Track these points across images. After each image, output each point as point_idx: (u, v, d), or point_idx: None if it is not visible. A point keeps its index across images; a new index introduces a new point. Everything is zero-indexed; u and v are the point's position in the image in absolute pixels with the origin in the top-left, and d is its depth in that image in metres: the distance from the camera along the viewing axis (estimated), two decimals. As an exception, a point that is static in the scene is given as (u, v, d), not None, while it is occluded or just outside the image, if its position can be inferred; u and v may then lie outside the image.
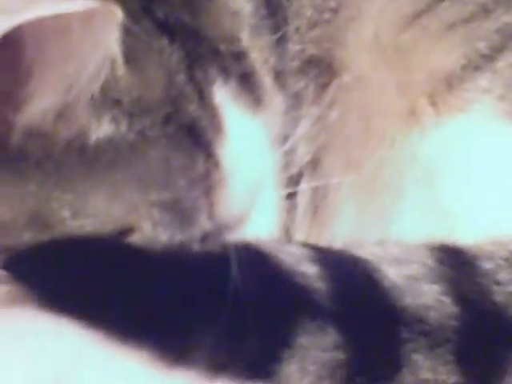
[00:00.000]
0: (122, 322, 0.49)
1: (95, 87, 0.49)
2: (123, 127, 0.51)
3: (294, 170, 0.67)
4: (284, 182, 0.66)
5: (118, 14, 0.45)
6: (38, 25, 0.43)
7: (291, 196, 0.67)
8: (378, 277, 0.54)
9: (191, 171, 0.53)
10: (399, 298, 0.53)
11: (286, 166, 0.66)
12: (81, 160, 0.50)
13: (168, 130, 0.52)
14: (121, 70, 0.50)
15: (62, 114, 0.49)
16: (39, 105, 0.49)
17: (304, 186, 0.67)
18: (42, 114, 0.49)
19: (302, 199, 0.67)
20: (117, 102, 0.50)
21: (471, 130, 0.65)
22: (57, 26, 0.44)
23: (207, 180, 0.54)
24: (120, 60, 0.49)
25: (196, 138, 0.53)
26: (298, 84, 0.67)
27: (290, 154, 0.66)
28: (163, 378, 0.48)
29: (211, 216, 0.54)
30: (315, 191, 0.67)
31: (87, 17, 0.44)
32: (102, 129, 0.50)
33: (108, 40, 0.47)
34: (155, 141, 0.52)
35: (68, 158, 0.50)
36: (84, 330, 0.48)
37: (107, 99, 0.50)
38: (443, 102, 0.65)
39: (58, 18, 0.43)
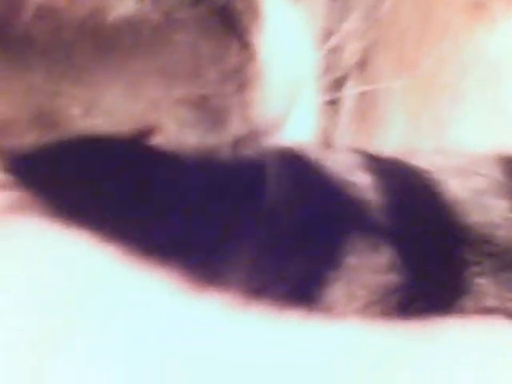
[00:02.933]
0: (145, 237, 0.42)
1: None
2: (147, 4, 0.44)
3: (339, 72, 0.60)
4: (327, 85, 0.59)
5: None
6: None
7: (335, 101, 0.60)
8: (440, 189, 0.48)
9: (223, 62, 0.46)
10: (463, 214, 0.47)
11: (331, 66, 0.59)
12: (95, 45, 0.44)
13: (198, 11, 0.46)
14: None
15: None
16: None
17: (350, 91, 0.60)
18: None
19: (348, 105, 0.60)
20: None
21: None
22: None
23: (241, 74, 0.47)
24: None
25: (230, 22, 0.47)
26: None
27: (335, 52, 0.59)
28: (192, 300, 0.42)
29: (245, 117, 0.47)
30: (363, 96, 0.60)
31: None
32: (124, 4, 0.44)
33: None
34: (183, 24, 0.45)
35: (80, 43, 0.44)
36: (98, 244, 0.42)
37: None
38: None
39: None
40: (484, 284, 0.47)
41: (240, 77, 0.47)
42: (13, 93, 0.44)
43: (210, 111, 0.46)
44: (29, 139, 0.44)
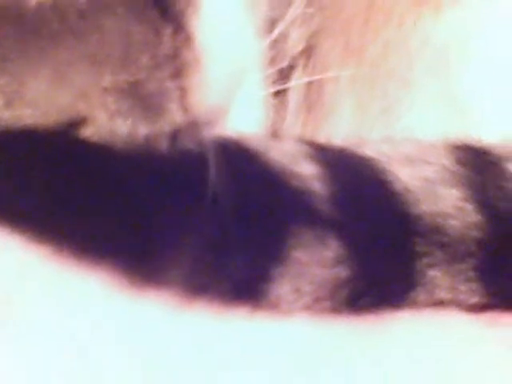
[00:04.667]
0: (77, 234, 0.40)
1: None
2: None
3: (284, 63, 0.59)
4: (272, 76, 0.58)
5: None
6: None
7: (281, 92, 0.59)
8: (388, 179, 0.47)
9: (156, 48, 0.45)
10: (413, 203, 0.47)
11: (275, 57, 0.59)
12: (17, 32, 0.42)
13: None
14: None
15: None
16: None
17: (296, 82, 0.59)
18: None
19: (294, 95, 0.60)
20: None
21: (494, 9, 0.57)
22: None
23: (176, 59, 0.46)
24: None
25: (163, 6, 0.46)
26: None
27: (279, 42, 0.58)
28: (130, 300, 0.40)
29: (183, 105, 0.46)
30: (309, 85, 0.60)
31: None
32: None
33: None
34: (112, 8, 0.44)
35: (4, 32, 0.42)
36: (31, 244, 0.40)
37: None
38: None
39: None
40: (436, 276, 0.46)
41: (175, 62, 0.46)
42: None
43: (142, 99, 0.44)
44: None
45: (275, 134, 0.59)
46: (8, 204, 0.41)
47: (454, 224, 0.47)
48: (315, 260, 0.44)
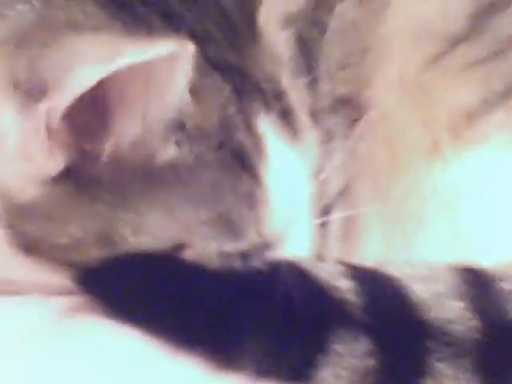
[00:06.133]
0: (179, 331, 0.55)
1: (168, 116, 0.55)
2: (185, 150, 0.57)
3: (327, 200, 0.73)
4: (318, 210, 0.71)
5: (192, 49, 0.51)
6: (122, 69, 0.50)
7: (324, 223, 0.72)
8: (407, 292, 0.59)
9: (238, 189, 0.59)
10: (426, 311, 0.58)
11: (320, 196, 0.71)
12: (144, 182, 0.56)
13: (220, 153, 0.59)
14: (187, 99, 0.56)
15: (136, 142, 0.55)
16: (119, 137, 0.55)
17: (336, 215, 0.72)
18: (119, 145, 0.55)
19: (334, 226, 0.73)
20: (181, 127, 0.57)
21: (489, 161, 0.70)
22: (138, 69, 0.51)
23: (251, 197, 0.60)
24: (186, 91, 0.55)
25: (242, 161, 0.60)
26: (330, 120, 0.74)
27: (324, 184, 0.71)
28: (216, 379, 0.54)
29: (258, 230, 0.60)
30: (346, 218, 0.72)
31: (169, 57, 0.51)
32: (168, 151, 0.56)
33: (182, 76, 0.53)
34: (209, 163, 0.58)
35: (134, 181, 0.56)
36: (145, 337, 0.54)
37: (175, 125, 0.56)
38: (463, 136, 0.70)
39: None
40: (443, 367, 0.58)
41: (251, 199, 0.60)
42: (83, 218, 0.56)
43: (228, 224, 0.58)
44: (92, 254, 0.56)
45: (320, 257, 0.72)
46: (130, 306, 0.55)
47: (458, 328, 0.58)
48: (350, 352, 0.56)
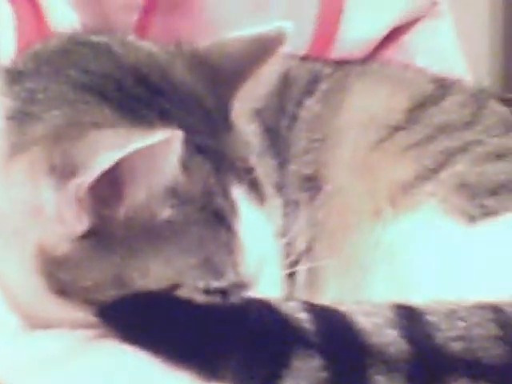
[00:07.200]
0: (175, 350, 0.68)
1: (165, 186, 0.68)
2: (177, 211, 0.69)
3: (294, 257, 0.85)
4: (286, 265, 0.83)
5: (181, 135, 0.64)
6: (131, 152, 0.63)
7: (292, 275, 0.84)
8: (353, 322, 0.70)
9: (218, 240, 0.70)
10: (367, 337, 0.69)
11: (288, 253, 0.84)
12: (148, 237, 0.68)
13: (204, 213, 0.70)
14: (178, 173, 0.68)
15: (142, 206, 0.68)
16: (130, 202, 0.67)
17: (301, 268, 0.84)
18: (130, 208, 0.68)
19: (300, 277, 0.85)
20: (175, 194, 0.68)
21: (420, 223, 0.82)
22: (143, 151, 0.64)
23: (229, 246, 0.71)
24: (178, 167, 0.67)
25: (221, 219, 0.71)
26: (296, 194, 0.87)
27: (290, 245, 0.83)
28: None
29: (236, 271, 0.72)
30: (309, 270, 0.84)
31: (164, 142, 0.63)
32: (165, 212, 0.69)
33: (175, 154, 0.66)
34: (196, 221, 0.70)
35: (140, 236, 0.69)
36: (151, 356, 0.68)
37: (170, 192, 0.68)
38: (399, 204, 0.82)
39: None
40: (381, 379, 0.68)
41: (229, 247, 0.71)
42: (102, 267, 0.68)
43: (212, 267, 0.70)
44: (107, 294, 0.69)
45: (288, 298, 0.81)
46: (138, 333, 0.68)
47: (392, 350, 0.69)
48: (307, 367, 0.67)
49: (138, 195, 0.68)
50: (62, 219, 0.68)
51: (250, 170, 0.76)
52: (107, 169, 0.64)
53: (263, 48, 0.77)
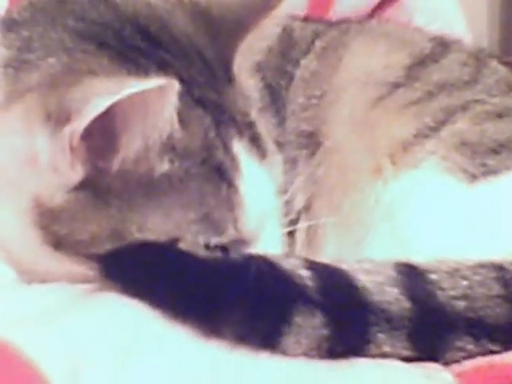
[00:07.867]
0: (175, 303, 0.67)
1: (162, 139, 0.67)
2: (176, 165, 0.69)
3: (293, 215, 0.85)
4: (285, 223, 0.83)
5: (177, 85, 0.63)
6: (124, 100, 0.63)
7: (291, 233, 0.84)
8: (354, 280, 0.71)
9: (218, 195, 0.70)
10: (369, 295, 0.70)
11: (288, 211, 0.84)
12: (146, 190, 0.68)
13: (204, 168, 0.70)
14: (176, 126, 0.68)
15: (139, 158, 0.68)
16: (124, 154, 0.67)
17: (300, 226, 0.84)
18: (125, 160, 0.67)
19: (299, 235, 0.85)
20: (173, 148, 0.69)
21: (421, 181, 0.82)
22: (136, 99, 0.63)
23: (230, 201, 0.71)
24: (175, 120, 0.67)
25: (222, 174, 0.71)
26: (295, 151, 0.87)
27: (289, 203, 0.83)
28: (202, 343, 0.67)
29: (236, 227, 0.71)
30: (308, 229, 0.84)
31: (159, 90, 0.62)
32: (163, 167, 0.68)
33: (170, 105, 0.65)
34: (195, 175, 0.69)
35: (138, 189, 0.68)
36: (151, 309, 0.67)
37: (168, 146, 0.68)
38: (400, 161, 0.83)
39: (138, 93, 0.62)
40: (383, 337, 0.69)
41: (229, 202, 0.71)
42: (99, 219, 0.68)
43: (212, 223, 0.70)
44: (104, 247, 0.68)
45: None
46: (138, 284, 0.67)
47: (394, 308, 0.69)
48: (308, 324, 0.67)
49: (133, 146, 0.67)
50: (56, 168, 0.68)
51: (250, 125, 0.75)
52: (100, 116, 0.64)
53: (266, 0, 0.76)
